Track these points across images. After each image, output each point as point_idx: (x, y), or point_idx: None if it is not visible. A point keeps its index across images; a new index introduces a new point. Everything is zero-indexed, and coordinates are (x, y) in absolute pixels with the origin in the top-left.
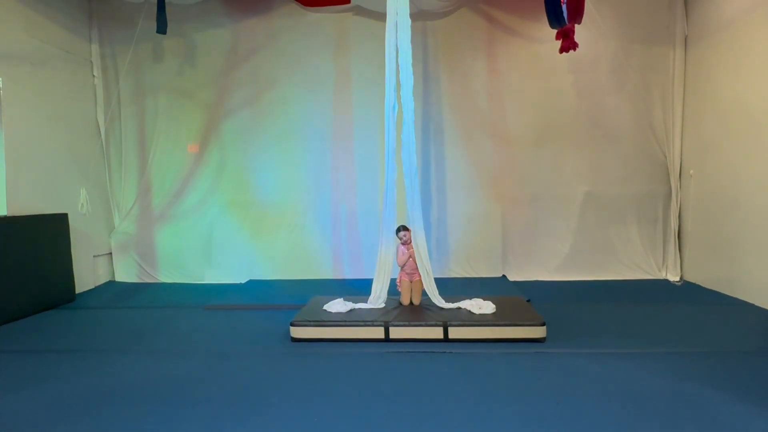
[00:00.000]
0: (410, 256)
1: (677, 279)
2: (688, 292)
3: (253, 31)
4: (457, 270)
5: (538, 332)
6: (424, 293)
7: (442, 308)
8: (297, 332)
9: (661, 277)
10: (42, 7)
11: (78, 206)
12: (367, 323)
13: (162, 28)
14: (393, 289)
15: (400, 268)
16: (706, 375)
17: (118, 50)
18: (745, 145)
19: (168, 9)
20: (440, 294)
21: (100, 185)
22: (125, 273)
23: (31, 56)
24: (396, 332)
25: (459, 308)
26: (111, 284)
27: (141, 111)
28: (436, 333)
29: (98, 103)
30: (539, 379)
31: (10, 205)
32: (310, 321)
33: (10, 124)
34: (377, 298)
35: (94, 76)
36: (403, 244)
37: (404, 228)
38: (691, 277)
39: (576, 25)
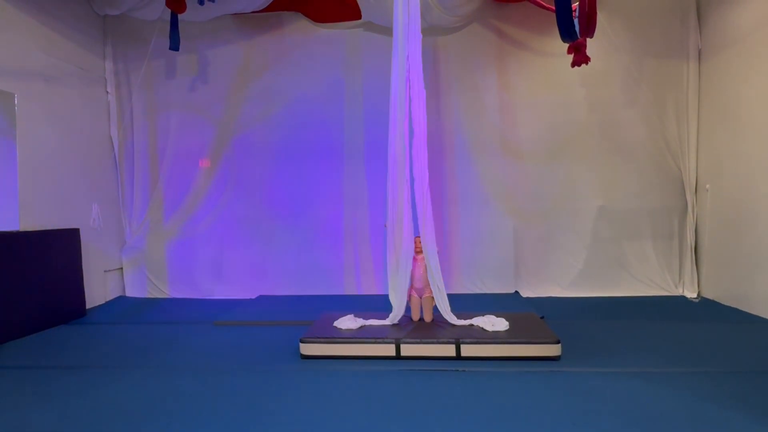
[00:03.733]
0: (419, 267)
1: (694, 295)
2: (706, 308)
3: (265, 47)
4: (469, 286)
5: (553, 350)
6: (435, 309)
7: (454, 325)
8: (307, 349)
9: (678, 294)
10: (58, 25)
11: (90, 221)
12: (378, 340)
13: (175, 45)
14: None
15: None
16: (728, 395)
17: (132, 67)
18: (762, 158)
19: (181, 26)
20: (452, 311)
21: (112, 200)
22: (136, 288)
23: (46, 73)
24: (407, 349)
25: (471, 325)
26: (121, 299)
27: (153, 127)
28: (449, 351)
29: (111, 119)
30: (554, 399)
31: (23, 220)
32: (320, 337)
33: (25, 140)
34: (396, 316)
35: (107, 92)
36: (416, 254)
37: (417, 237)
38: (708, 294)
39: (588, 39)
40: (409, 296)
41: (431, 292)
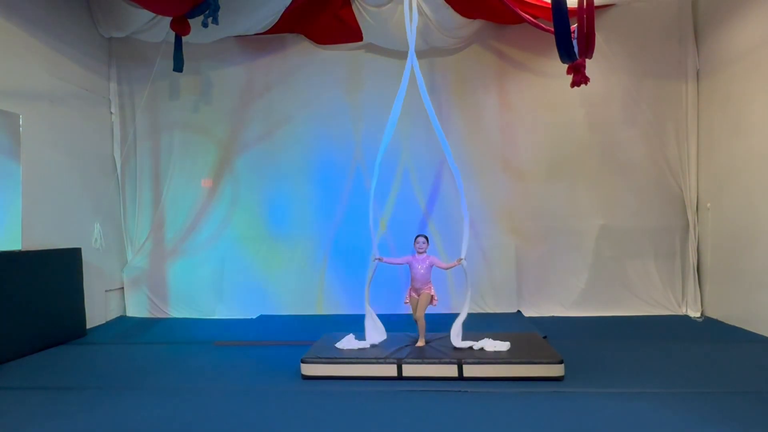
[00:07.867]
0: (421, 268)
1: (698, 315)
2: (709, 328)
3: (267, 68)
4: (471, 305)
5: (556, 370)
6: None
7: (455, 347)
8: (308, 369)
9: (681, 313)
10: (64, 47)
11: (92, 241)
12: (380, 360)
13: (179, 67)
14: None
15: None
16: (732, 416)
17: (136, 88)
18: (762, 176)
19: (185, 48)
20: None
21: (114, 220)
22: (136, 308)
23: (51, 94)
24: (409, 370)
25: (471, 347)
26: (122, 319)
27: (156, 147)
28: (451, 371)
29: (115, 140)
30: (558, 419)
31: (25, 239)
32: (321, 358)
33: (29, 160)
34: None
35: (111, 113)
36: (418, 253)
37: (421, 235)
38: (712, 313)
39: (587, 60)
40: (409, 296)
41: (430, 289)
